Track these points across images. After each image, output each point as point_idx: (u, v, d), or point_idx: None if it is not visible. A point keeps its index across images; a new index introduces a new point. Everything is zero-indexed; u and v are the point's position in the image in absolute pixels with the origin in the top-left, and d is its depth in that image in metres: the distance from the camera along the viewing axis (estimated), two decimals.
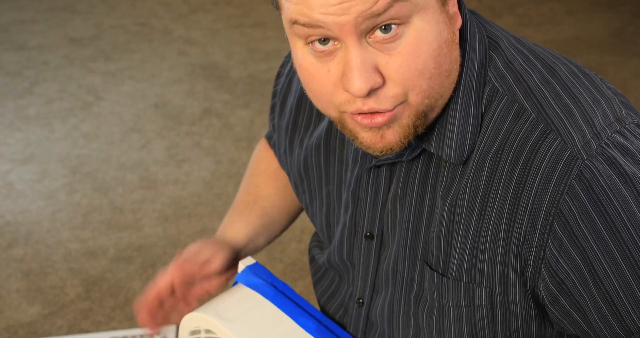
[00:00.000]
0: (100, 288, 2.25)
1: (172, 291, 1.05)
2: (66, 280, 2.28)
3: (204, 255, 1.05)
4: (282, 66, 1.13)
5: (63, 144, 2.95)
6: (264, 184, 1.19)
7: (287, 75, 1.10)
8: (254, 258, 1.19)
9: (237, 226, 1.13)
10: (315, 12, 0.74)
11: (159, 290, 1.03)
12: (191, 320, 1.01)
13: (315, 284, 1.10)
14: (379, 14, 0.74)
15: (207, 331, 1.00)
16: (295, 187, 1.09)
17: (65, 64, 3.57)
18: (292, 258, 2.33)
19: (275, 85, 1.12)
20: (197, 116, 3.12)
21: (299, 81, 1.06)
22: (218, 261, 1.05)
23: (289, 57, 1.11)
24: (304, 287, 2.14)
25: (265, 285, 1.02)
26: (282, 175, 1.20)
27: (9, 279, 2.29)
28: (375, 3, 0.73)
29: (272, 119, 1.14)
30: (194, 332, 1.01)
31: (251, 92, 3.28)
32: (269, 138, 1.22)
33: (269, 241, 1.19)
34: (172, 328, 2.08)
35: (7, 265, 2.35)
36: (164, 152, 2.88)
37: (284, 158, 1.11)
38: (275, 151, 1.19)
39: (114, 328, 2.10)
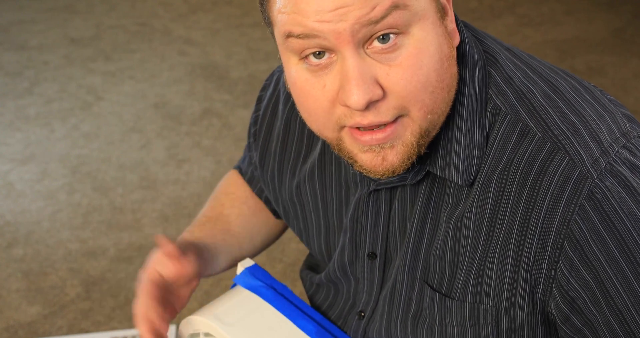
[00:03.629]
0: (100, 288, 2.25)
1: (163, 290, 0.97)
2: (66, 280, 2.28)
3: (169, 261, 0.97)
4: (263, 89, 1.08)
5: (63, 144, 2.95)
6: (229, 204, 1.14)
7: (269, 98, 1.05)
8: (254, 259, 1.17)
9: (197, 235, 1.07)
10: (311, 20, 0.72)
11: (154, 283, 0.95)
12: (190, 324, 1.00)
13: (312, 298, 1.08)
14: (377, 21, 0.71)
15: (206, 334, 0.99)
16: (285, 213, 1.06)
17: (65, 64, 3.56)
18: (292, 258, 2.33)
19: (256, 110, 1.07)
20: (197, 116, 3.11)
21: (285, 104, 1.02)
22: (190, 262, 0.96)
23: (270, 80, 1.07)
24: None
25: (264, 287, 1.01)
26: (250, 202, 1.15)
27: (9, 279, 2.29)
28: (373, 9, 0.71)
29: (255, 148, 1.08)
30: (193, 335, 1.01)
31: (251, 92, 3.28)
32: (240, 170, 1.17)
33: (229, 265, 1.11)
34: (171, 329, 2.08)
35: (7, 265, 2.35)
36: (164, 152, 2.88)
37: (270, 185, 1.06)
38: (249, 182, 1.14)
39: (114, 328, 2.10)
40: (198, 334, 1.00)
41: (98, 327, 2.11)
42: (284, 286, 1.02)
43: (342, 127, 0.78)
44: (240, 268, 1.06)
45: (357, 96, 0.73)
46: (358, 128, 0.78)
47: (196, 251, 1.01)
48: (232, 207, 1.14)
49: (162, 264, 0.97)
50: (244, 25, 3.93)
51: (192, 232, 1.08)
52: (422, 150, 0.80)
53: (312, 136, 1.00)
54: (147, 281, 0.95)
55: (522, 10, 3.96)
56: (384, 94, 0.75)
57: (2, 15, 4.09)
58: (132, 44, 3.75)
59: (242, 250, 1.13)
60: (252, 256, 1.16)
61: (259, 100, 1.08)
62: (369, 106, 0.74)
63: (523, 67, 0.85)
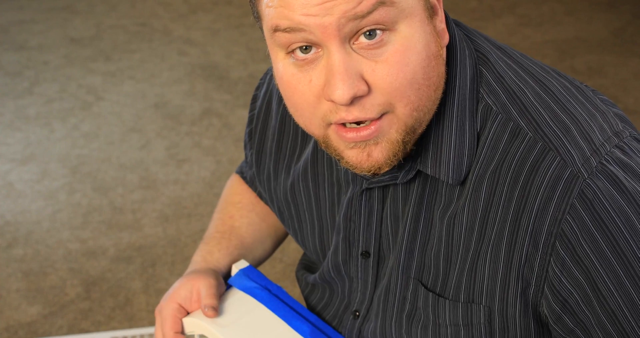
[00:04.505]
0: (100, 288, 2.25)
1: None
2: (66, 280, 2.28)
3: (196, 295, 1.01)
4: (258, 88, 1.08)
5: (63, 144, 2.95)
6: (238, 215, 1.15)
7: (263, 97, 1.06)
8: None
9: (217, 256, 1.09)
10: (297, 14, 0.72)
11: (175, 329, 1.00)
12: (185, 326, 1.01)
13: (307, 298, 1.09)
14: (363, 16, 0.72)
15: (201, 336, 0.99)
16: (280, 213, 1.06)
17: (65, 64, 3.57)
18: (292, 258, 2.33)
19: (252, 110, 1.08)
20: (197, 116, 3.12)
21: (279, 102, 1.03)
22: (210, 298, 1.00)
23: (264, 79, 1.08)
24: None
25: (259, 289, 1.01)
26: (258, 208, 1.16)
27: (9, 279, 2.29)
28: (359, 4, 0.71)
29: (250, 147, 1.09)
30: (187, 337, 1.01)
31: (251, 92, 3.27)
32: (241, 174, 1.19)
33: None
34: None
35: (7, 265, 2.35)
36: (164, 152, 2.88)
37: (266, 185, 1.07)
38: (250, 185, 1.15)
39: (114, 328, 2.11)
40: (193, 336, 1.00)
41: (98, 327, 2.12)
42: (279, 287, 1.02)
43: (329, 124, 0.79)
44: (235, 269, 1.06)
45: (341, 91, 0.73)
46: (343, 125, 0.78)
47: (216, 278, 1.04)
48: (242, 217, 1.15)
49: (188, 304, 1.01)
50: (244, 25, 3.93)
51: (211, 253, 1.10)
52: (409, 147, 0.80)
53: (306, 134, 1.00)
54: (171, 317, 1.01)
55: (522, 10, 3.96)
56: (369, 89, 0.75)
57: (2, 15, 4.10)
58: (132, 44, 3.75)
59: (255, 258, 1.16)
60: (264, 260, 1.18)
61: (254, 99, 1.08)
62: (354, 101, 0.75)
63: (514, 66, 0.85)
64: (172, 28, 3.93)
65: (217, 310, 0.98)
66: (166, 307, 1.00)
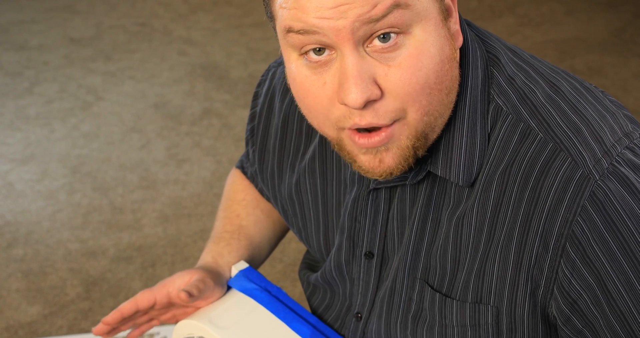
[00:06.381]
0: (100, 288, 2.25)
1: (149, 309, 1.01)
2: (66, 280, 2.28)
3: (186, 279, 1.00)
4: (259, 85, 1.08)
5: (63, 144, 2.95)
6: (244, 213, 1.15)
7: (265, 94, 1.05)
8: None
9: (227, 258, 1.09)
10: (311, 16, 0.71)
11: (138, 302, 0.98)
12: (184, 328, 1.00)
13: (309, 298, 1.08)
14: (377, 20, 0.71)
15: None
16: (284, 211, 1.06)
17: (65, 64, 3.57)
18: (292, 258, 2.33)
19: (253, 106, 1.07)
20: (197, 116, 3.12)
21: (281, 100, 1.02)
22: (191, 287, 0.99)
23: (265, 75, 1.07)
24: None
25: (258, 290, 1.01)
26: (262, 204, 1.16)
27: (9, 279, 2.29)
28: (374, 7, 0.71)
29: (252, 144, 1.08)
30: None
31: (251, 92, 3.28)
32: (242, 169, 1.18)
33: None
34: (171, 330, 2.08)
35: (7, 265, 2.35)
36: (164, 152, 2.88)
37: (269, 183, 1.06)
38: (252, 180, 1.15)
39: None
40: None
41: None
42: (279, 289, 1.02)
43: (342, 129, 0.78)
44: (235, 270, 1.06)
45: (354, 95, 0.73)
46: (356, 130, 0.78)
47: (217, 280, 1.04)
48: (248, 215, 1.15)
49: (176, 297, 1.01)
50: (244, 25, 3.93)
51: (222, 255, 1.09)
52: (420, 153, 0.80)
53: (310, 131, 0.99)
54: (149, 292, 1.00)
55: (522, 10, 3.96)
56: (382, 94, 0.74)
57: (2, 15, 4.10)
58: (132, 44, 3.75)
59: (262, 256, 1.16)
60: (267, 257, 1.18)
61: (256, 96, 1.08)
62: (367, 105, 0.74)
63: (525, 67, 0.85)
64: (172, 28, 3.93)
65: (190, 297, 0.97)
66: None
